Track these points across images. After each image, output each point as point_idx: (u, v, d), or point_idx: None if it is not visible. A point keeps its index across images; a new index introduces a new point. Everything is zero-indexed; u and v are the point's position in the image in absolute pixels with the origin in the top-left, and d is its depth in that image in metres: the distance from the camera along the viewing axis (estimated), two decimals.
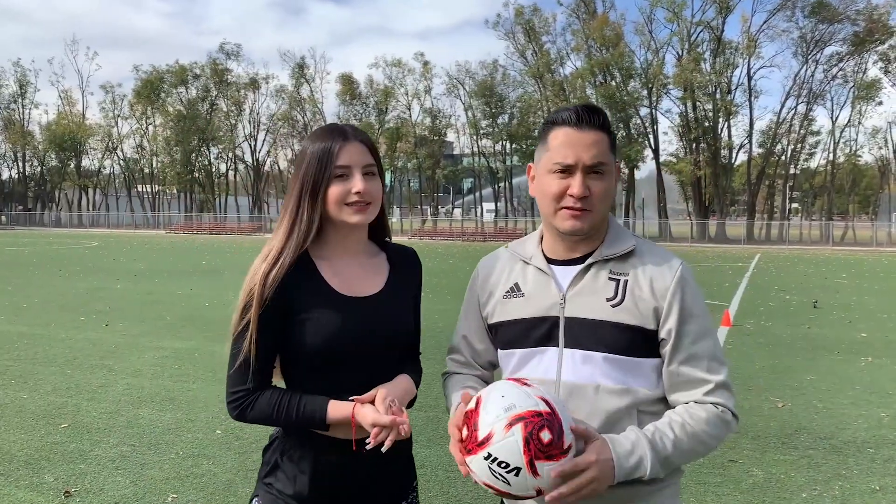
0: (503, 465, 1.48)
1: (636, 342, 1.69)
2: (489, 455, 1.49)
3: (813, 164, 58.96)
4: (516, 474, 1.48)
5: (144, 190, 75.21)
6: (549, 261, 1.81)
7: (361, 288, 1.82)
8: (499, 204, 64.33)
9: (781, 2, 50.86)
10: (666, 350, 1.69)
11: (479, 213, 66.03)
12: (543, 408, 1.51)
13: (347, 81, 63.81)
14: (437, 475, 4.62)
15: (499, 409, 1.51)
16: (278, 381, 1.87)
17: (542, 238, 1.86)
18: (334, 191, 1.74)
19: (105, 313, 11.65)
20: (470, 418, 1.55)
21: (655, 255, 1.76)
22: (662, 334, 1.69)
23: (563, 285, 1.76)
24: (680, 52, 53.65)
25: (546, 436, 1.48)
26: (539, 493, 1.51)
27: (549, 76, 57.02)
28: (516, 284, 1.83)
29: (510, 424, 1.49)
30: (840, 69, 52.40)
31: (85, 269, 20.83)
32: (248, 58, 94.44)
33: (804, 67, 52.57)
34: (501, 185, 63.72)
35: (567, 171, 1.69)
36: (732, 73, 53.14)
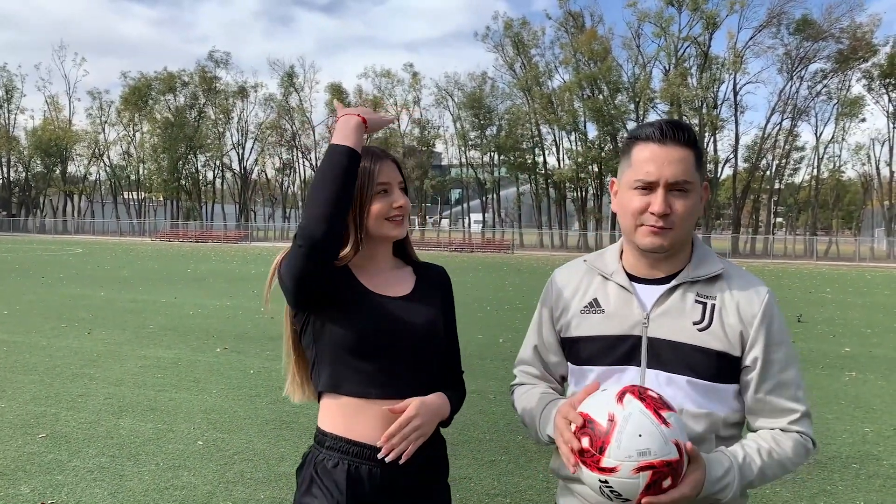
0: (616, 494, 1.51)
1: (721, 368, 1.67)
2: (606, 481, 1.50)
3: (797, 179, 59.68)
4: (623, 501, 1.52)
5: (130, 197, 74.77)
6: (631, 278, 1.77)
7: (391, 290, 1.89)
8: (486, 215, 64.44)
9: (767, 19, 51.57)
10: (751, 377, 1.68)
11: (466, 224, 66.08)
12: (674, 456, 1.49)
13: (336, 91, 63.86)
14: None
15: (633, 449, 1.48)
16: (307, 386, 1.94)
17: (621, 253, 1.82)
18: (377, 206, 1.82)
19: (87, 321, 11.51)
20: (598, 437, 1.51)
21: (743, 280, 1.74)
22: (747, 361, 1.68)
23: (646, 304, 1.73)
24: (667, 67, 54.18)
25: (667, 483, 1.50)
26: None
27: (538, 89, 57.35)
28: (595, 300, 1.79)
29: (640, 469, 1.48)
30: (824, 86, 53.13)
31: (68, 277, 20.62)
32: (236, 66, 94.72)
33: (789, 84, 53.27)
34: (489, 196, 63.87)
35: (649, 187, 1.66)
36: (718, 88, 53.73)
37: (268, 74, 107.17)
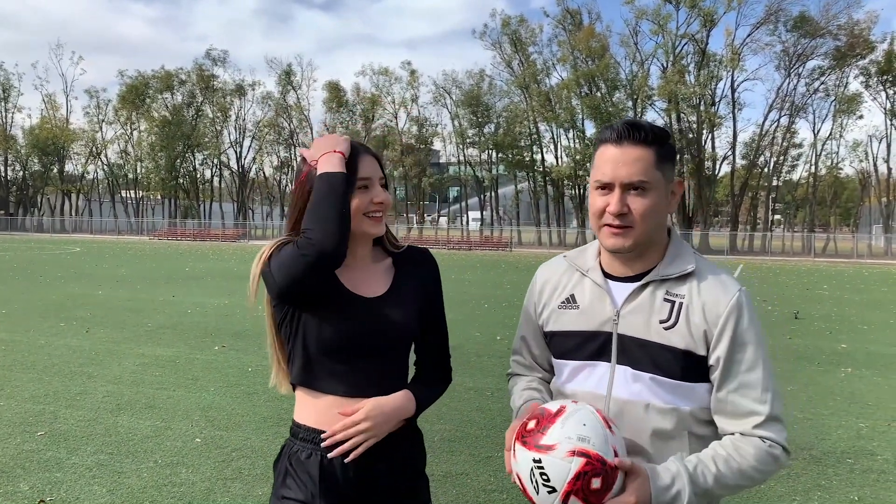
0: (545, 477, 1.52)
1: (687, 366, 1.68)
2: (539, 461, 1.53)
3: (795, 176, 59.72)
4: (549, 492, 1.52)
5: (128, 196, 74.66)
6: (606, 275, 1.81)
7: (367, 290, 1.89)
8: (485, 213, 64.44)
9: (765, 16, 51.54)
10: (715, 376, 1.68)
11: (464, 222, 66.10)
12: (611, 460, 1.52)
13: (334, 89, 63.82)
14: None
15: (574, 432, 1.53)
16: (285, 380, 1.96)
17: (599, 251, 1.87)
18: (356, 201, 1.82)
19: (86, 320, 11.53)
20: (545, 418, 1.58)
21: (714, 279, 1.73)
22: (711, 360, 1.68)
23: (618, 301, 1.76)
24: (665, 64, 54.14)
25: (596, 483, 1.51)
26: None
27: (536, 86, 57.30)
28: (572, 296, 1.84)
29: (574, 453, 1.51)
30: (822, 83, 53.11)
31: (66, 275, 20.62)
32: (234, 64, 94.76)
33: (787, 81, 53.25)
34: (487, 194, 63.85)
35: (607, 188, 1.70)
36: (716, 85, 53.71)
37: (266, 73, 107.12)
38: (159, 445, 5.29)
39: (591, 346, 1.77)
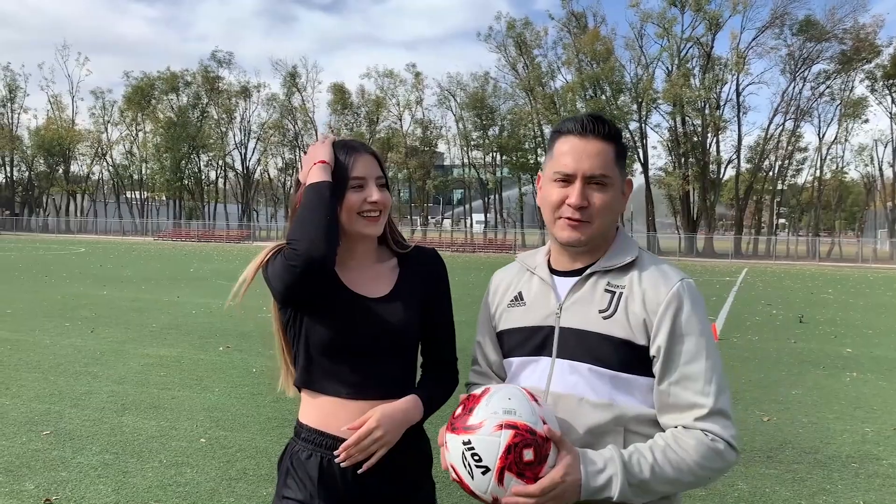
0: (476, 457, 1.49)
1: (626, 357, 1.64)
2: (468, 441, 1.51)
3: (800, 180, 59.61)
4: (483, 473, 1.49)
5: (133, 196, 74.85)
6: (553, 271, 1.80)
7: (370, 290, 1.87)
8: (488, 216, 64.44)
9: (770, 20, 51.49)
10: (656, 368, 1.63)
11: (468, 225, 66.08)
12: (540, 429, 1.50)
13: (339, 91, 63.90)
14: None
15: (500, 407, 1.52)
16: (292, 383, 1.96)
17: (549, 250, 1.86)
18: (349, 201, 1.80)
19: (91, 320, 11.56)
20: (469, 401, 1.58)
21: (655, 269, 1.70)
22: (653, 351, 1.63)
23: (561, 295, 1.74)
24: (670, 68, 54.09)
25: (528, 455, 1.48)
26: (495, 501, 1.51)
27: (540, 89, 57.31)
28: (520, 293, 1.83)
29: (502, 426, 1.48)
30: (827, 87, 53.02)
31: (71, 276, 20.67)
32: (239, 65, 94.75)
33: (792, 85, 53.18)
34: (491, 196, 63.87)
35: (567, 179, 1.68)
36: (721, 88, 53.65)
37: (270, 74, 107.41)
38: (164, 445, 5.30)
39: (533, 340, 1.75)
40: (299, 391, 1.92)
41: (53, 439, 5.38)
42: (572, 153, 1.67)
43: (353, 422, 1.77)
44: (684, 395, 1.60)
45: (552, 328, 1.72)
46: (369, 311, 1.84)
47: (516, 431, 1.47)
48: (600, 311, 1.67)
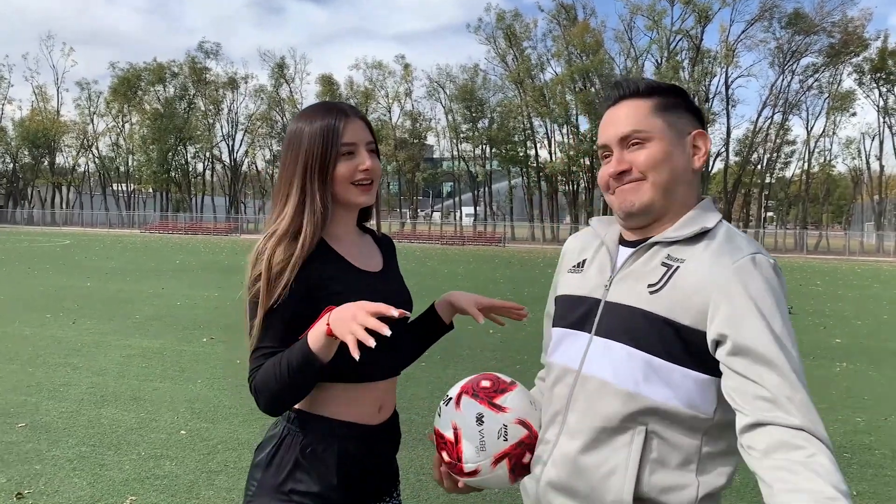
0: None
1: (666, 339, 1.37)
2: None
3: (788, 173, 59.82)
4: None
5: (120, 189, 74.20)
6: (622, 242, 1.60)
7: (369, 264, 1.79)
8: (478, 208, 64.34)
9: (759, 12, 51.58)
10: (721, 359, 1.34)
11: (458, 218, 65.96)
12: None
13: (327, 83, 63.55)
14: (407, 478, 4.48)
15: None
16: None
17: None
18: (342, 169, 1.68)
19: (73, 311, 11.36)
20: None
21: (726, 242, 1.41)
22: (712, 335, 1.33)
23: (618, 266, 1.54)
24: (659, 60, 54.13)
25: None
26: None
27: (530, 81, 57.22)
28: (584, 260, 1.64)
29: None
30: (816, 80, 53.25)
31: (55, 267, 20.41)
32: (226, 57, 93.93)
33: (781, 78, 53.36)
34: (481, 189, 63.75)
35: (607, 154, 1.56)
36: (710, 81, 53.77)
37: (258, 66, 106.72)
38: (143, 438, 5.16)
39: (577, 312, 1.56)
40: None
41: (29, 432, 5.22)
42: (604, 125, 1.57)
43: (370, 405, 1.71)
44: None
45: (598, 301, 1.52)
46: (378, 284, 1.75)
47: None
48: (649, 286, 1.43)
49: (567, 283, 1.66)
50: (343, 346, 1.49)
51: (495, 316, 1.95)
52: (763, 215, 60.10)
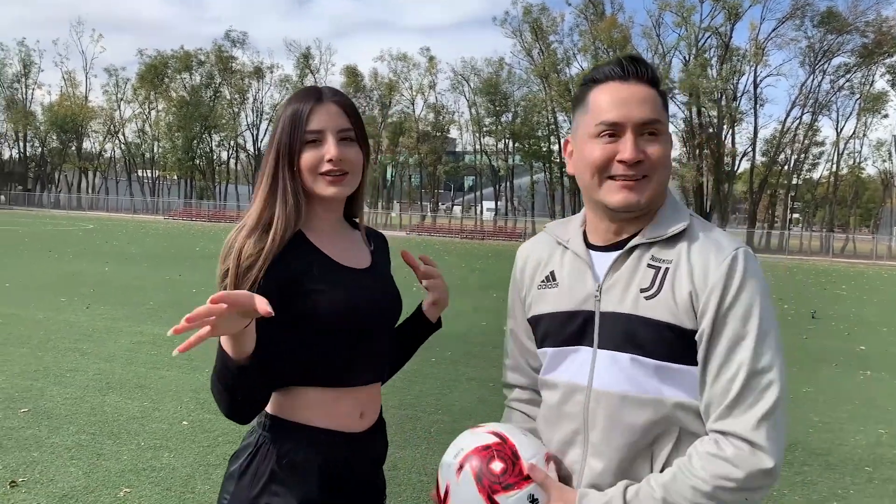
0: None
1: (674, 344, 1.36)
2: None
3: (816, 174, 58.87)
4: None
5: (145, 175, 74.90)
6: (589, 245, 1.51)
7: (354, 261, 1.66)
8: (499, 203, 64.06)
9: (791, 10, 50.66)
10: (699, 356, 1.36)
11: (478, 212, 65.75)
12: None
13: (352, 74, 63.54)
14: (410, 478, 4.36)
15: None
16: None
17: (585, 219, 1.57)
18: (306, 158, 1.56)
19: (88, 296, 11.38)
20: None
21: (709, 239, 1.40)
22: (697, 335, 1.36)
23: (600, 274, 1.46)
24: (687, 57, 53.43)
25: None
26: None
27: (555, 76, 56.73)
28: (552, 272, 1.55)
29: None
30: (847, 80, 52.24)
31: (76, 252, 20.57)
32: (252, 46, 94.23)
33: (811, 77, 52.40)
34: (503, 184, 63.45)
35: (614, 132, 1.40)
36: (739, 80, 52.98)
37: (284, 55, 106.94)
38: (144, 427, 5.09)
39: (570, 327, 1.47)
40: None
41: (30, 417, 5.17)
42: (615, 100, 1.40)
43: (350, 411, 1.59)
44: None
45: (592, 313, 1.45)
46: (363, 282, 1.62)
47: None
48: (642, 291, 1.39)
49: (543, 300, 1.55)
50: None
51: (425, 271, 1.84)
52: (789, 216, 59.19)
